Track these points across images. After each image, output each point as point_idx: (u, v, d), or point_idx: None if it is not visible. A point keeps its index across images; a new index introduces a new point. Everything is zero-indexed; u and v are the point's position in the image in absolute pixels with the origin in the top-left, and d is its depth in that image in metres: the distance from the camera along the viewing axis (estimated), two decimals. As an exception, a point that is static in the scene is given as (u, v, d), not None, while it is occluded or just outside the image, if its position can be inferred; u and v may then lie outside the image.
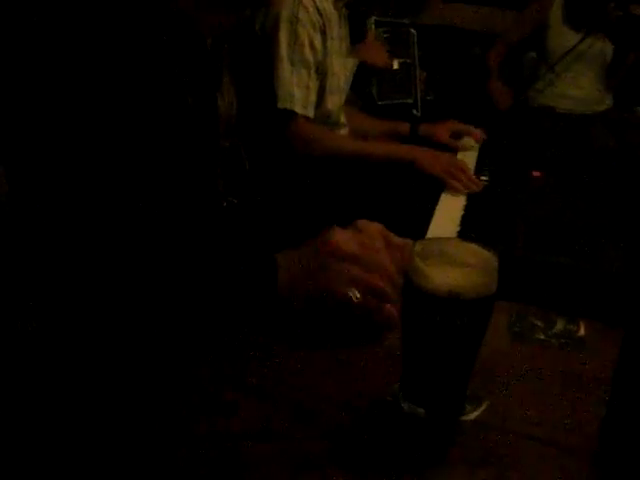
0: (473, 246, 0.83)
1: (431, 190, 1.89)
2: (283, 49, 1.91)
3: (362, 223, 1.06)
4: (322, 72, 2.01)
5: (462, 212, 1.76)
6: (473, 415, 0.85)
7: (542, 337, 1.04)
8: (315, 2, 1.93)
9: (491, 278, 0.79)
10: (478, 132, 2.35)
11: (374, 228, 1.05)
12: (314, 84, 1.97)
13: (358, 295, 0.96)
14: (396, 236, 1.08)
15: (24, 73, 0.97)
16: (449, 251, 0.82)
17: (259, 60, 1.31)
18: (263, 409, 0.84)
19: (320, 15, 1.95)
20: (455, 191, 1.87)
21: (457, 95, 3.86)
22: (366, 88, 2.86)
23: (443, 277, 0.77)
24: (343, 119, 2.17)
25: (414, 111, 3.12)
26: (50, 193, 0.97)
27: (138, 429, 0.78)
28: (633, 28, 3.33)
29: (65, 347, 0.89)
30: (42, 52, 0.98)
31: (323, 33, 1.97)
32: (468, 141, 2.35)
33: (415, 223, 1.63)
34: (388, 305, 0.96)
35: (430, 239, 0.96)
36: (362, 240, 1.01)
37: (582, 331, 1.06)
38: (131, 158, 1.01)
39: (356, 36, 2.33)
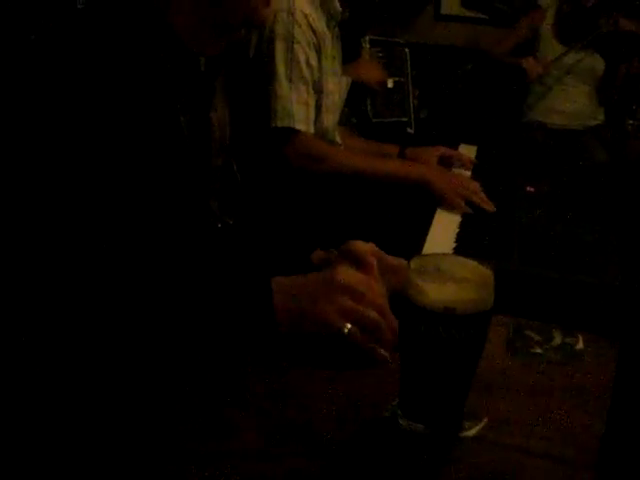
0: (469, 261, 0.83)
1: (426, 206, 1.89)
2: (280, 67, 1.91)
3: (354, 244, 1.06)
4: (318, 90, 2.01)
5: (458, 229, 1.76)
6: (472, 431, 0.85)
7: (540, 351, 1.04)
8: (309, 21, 1.93)
9: (487, 293, 0.79)
10: (467, 159, 2.29)
11: (366, 248, 1.05)
12: (312, 101, 1.97)
13: (349, 327, 0.96)
14: (390, 256, 1.08)
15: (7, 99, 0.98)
16: (445, 267, 0.83)
17: (253, 80, 1.32)
18: (261, 428, 0.84)
19: (314, 33, 1.95)
20: (457, 211, 1.86)
21: (450, 112, 3.89)
22: (361, 105, 2.87)
23: (439, 292, 0.78)
24: (338, 138, 2.17)
25: (408, 129, 3.13)
26: (40, 216, 0.97)
27: (136, 449, 0.78)
28: (623, 43, 3.36)
29: (60, 368, 0.89)
30: (28, 72, 0.98)
31: (318, 51, 1.98)
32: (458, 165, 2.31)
33: (410, 239, 1.64)
34: (378, 348, 0.97)
35: (426, 255, 0.96)
36: (362, 277, 1.01)
37: (580, 344, 1.06)
38: (122, 179, 1.00)
39: (350, 54, 2.33)
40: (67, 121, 0.97)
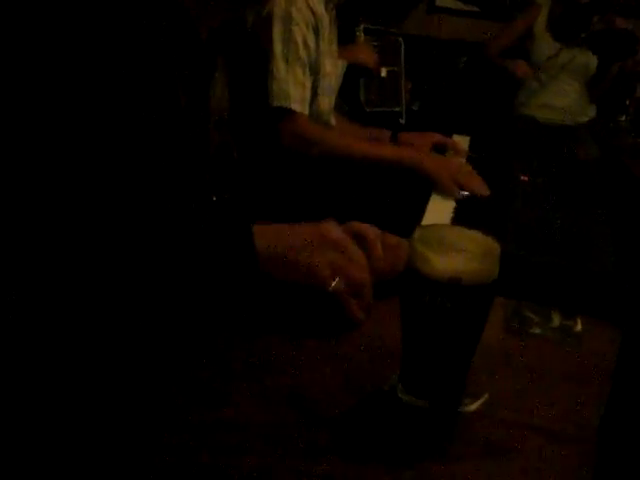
0: (473, 232, 0.82)
1: (420, 191, 1.87)
2: (277, 47, 1.88)
3: (356, 224, 1.06)
4: (314, 72, 1.99)
5: (452, 214, 1.74)
6: (473, 407, 0.83)
7: (539, 332, 1.03)
8: (307, 1, 1.91)
9: (492, 263, 0.78)
10: (461, 147, 2.26)
11: (368, 228, 1.05)
12: (308, 82, 1.95)
13: (336, 281, 0.96)
14: (390, 235, 1.07)
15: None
16: (449, 237, 0.81)
17: (252, 56, 1.30)
18: (255, 397, 0.82)
19: (313, 14, 1.93)
20: (451, 195, 1.84)
21: (442, 105, 3.88)
22: (353, 94, 2.85)
23: (444, 262, 0.76)
24: (333, 121, 2.15)
25: (400, 120, 3.11)
26: (37, 187, 0.94)
27: (133, 420, 0.76)
28: (616, 41, 3.36)
29: (57, 340, 0.87)
30: (26, 45, 0.96)
31: (316, 33, 1.95)
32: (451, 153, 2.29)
33: (405, 224, 1.62)
34: (356, 305, 0.97)
35: (429, 226, 0.94)
36: (349, 238, 1.01)
37: (579, 326, 1.05)
38: (118, 150, 0.98)
39: (344, 39, 2.31)
40: (63, 92, 0.95)
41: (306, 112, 1.96)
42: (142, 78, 1.00)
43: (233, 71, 1.20)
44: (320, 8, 1.96)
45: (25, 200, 0.94)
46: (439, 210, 1.75)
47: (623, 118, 3.16)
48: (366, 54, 2.80)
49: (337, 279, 0.96)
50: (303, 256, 0.97)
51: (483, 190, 1.85)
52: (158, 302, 0.93)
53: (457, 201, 1.81)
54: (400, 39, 3.16)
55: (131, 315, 0.91)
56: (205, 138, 1.14)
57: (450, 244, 0.79)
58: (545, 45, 3.56)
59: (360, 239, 1.03)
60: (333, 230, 1.00)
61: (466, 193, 1.85)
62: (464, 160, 2.16)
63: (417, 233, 0.80)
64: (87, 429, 0.74)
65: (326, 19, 2.01)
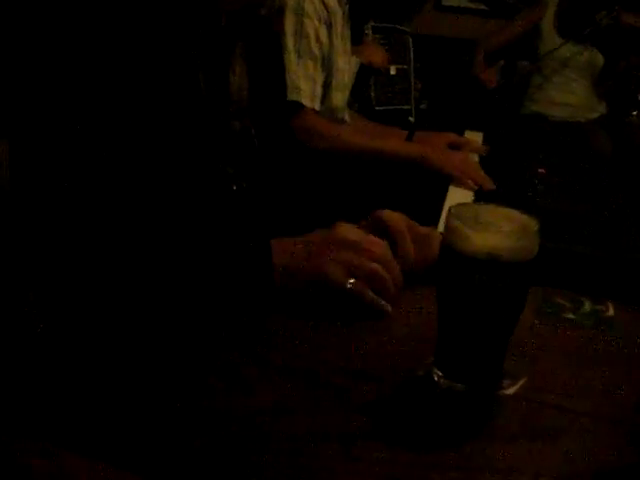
0: (509, 210, 0.80)
1: (438, 183, 1.85)
2: (289, 40, 1.87)
3: (384, 212, 1.04)
4: (328, 67, 1.97)
5: (472, 204, 1.72)
6: (512, 390, 0.81)
7: (572, 317, 1.01)
8: None
9: (531, 241, 0.76)
10: (477, 145, 2.24)
11: (396, 217, 1.03)
12: (320, 77, 1.93)
13: (352, 281, 0.94)
14: (420, 225, 1.05)
15: (29, 54, 0.93)
16: (485, 215, 0.79)
17: (270, 45, 1.28)
18: (286, 385, 0.80)
19: (326, 8, 1.91)
20: (465, 187, 1.83)
21: (450, 104, 3.86)
22: (364, 92, 2.84)
23: (482, 239, 0.74)
24: (347, 117, 2.14)
25: (410, 118, 3.10)
26: (55, 173, 0.93)
27: (155, 408, 0.74)
28: (623, 36, 3.34)
29: (70, 336, 0.85)
30: (46, 28, 0.94)
31: (329, 27, 1.94)
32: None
33: (425, 216, 1.60)
34: (380, 300, 0.95)
35: (464, 204, 0.92)
36: (362, 232, 0.99)
37: (611, 311, 1.04)
38: (139, 137, 0.97)
39: (353, 41, 2.30)
40: (82, 80, 0.94)
41: (317, 107, 1.94)
42: (161, 59, 0.99)
43: (252, 58, 1.18)
44: (333, 1, 1.95)
45: (42, 190, 0.92)
46: (458, 200, 1.73)
47: (635, 113, 3.13)
48: (377, 55, 2.79)
49: (353, 280, 0.94)
50: (313, 263, 0.95)
51: (488, 184, 1.84)
52: (168, 299, 0.92)
53: (475, 193, 1.79)
54: (409, 37, 3.15)
55: (141, 312, 0.89)
56: (226, 125, 1.12)
57: (487, 221, 0.77)
58: (552, 42, 3.54)
59: (386, 231, 1.01)
60: (345, 231, 0.98)
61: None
62: (476, 157, 2.14)
63: (453, 210, 0.78)
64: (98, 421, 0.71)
65: (339, 14, 1.99)
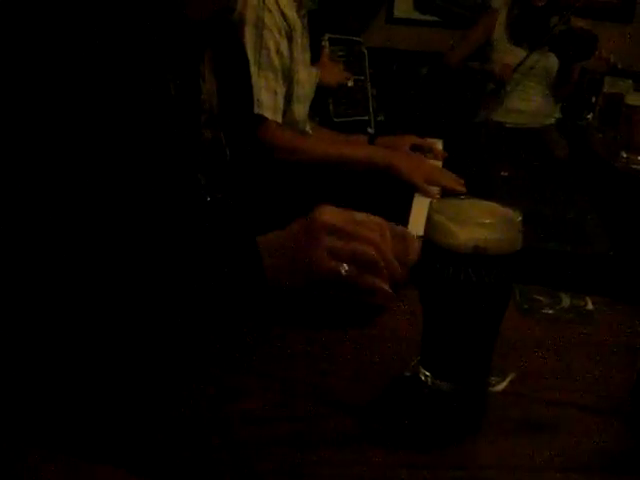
0: (490, 204, 0.79)
1: (404, 189, 1.85)
2: (249, 52, 1.85)
3: (362, 215, 1.01)
4: (288, 79, 1.96)
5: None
6: (500, 386, 0.80)
7: (551, 312, 1.01)
8: (280, 6, 1.88)
9: (515, 233, 0.75)
10: (437, 148, 2.26)
11: (374, 219, 1.00)
12: (281, 90, 1.92)
13: (347, 268, 0.90)
14: (397, 226, 1.03)
15: None
16: (467, 209, 0.78)
17: (237, 53, 1.26)
18: (277, 391, 0.78)
19: (285, 20, 1.90)
20: (430, 196, 1.82)
21: (407, 115, 3.88)
22: (322, 105, 2.83)
23: (467, 233, 0.73)
24: (309, 129, 2.13)
25: (369, 128, 3.10)
26: (20, 190, 0.90)
27: (143, 415, 0.71)
28: (576, 41, 3.39)
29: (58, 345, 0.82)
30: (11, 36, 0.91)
31: (289, 39, 1.93)
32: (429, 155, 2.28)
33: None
34: (380, 283, 0.91)
35: (444, 198, 0.91)
36: (351, 216, 0.95)
37: (590, 305, 1.04)
38: (108, 148, 0.95)
39: (312, 51, 2.30)
40: (47, 89, 0.91)
41: (278, 119, 1.93)
42: (131, 69, 0.97)
43: (220, 67, 1.16)
44: (292, 13, 1.94)
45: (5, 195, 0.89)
46: (424, 207, 1.72)
47: (590, 116, 3.18)
48: (330, 72, 2.78)
49: (347, 267, 0.90)
50: (302, 256, 0.91)
51: (459, 186, 1.84)
52: (153, 308, 0.89)
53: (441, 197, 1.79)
54: (364, 48, 3.16)
55: (126, 319, 0.86)
56: (197, 133, 1.10)
57: (470, 215, 0.76)
58: (505, 50, 3.57)
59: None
60: (329, 216, 0.93)
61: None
62: (440, 163, 2.14)
63: (435, 205, 0.76)
64: (91, 424, 0.69)
65: (299, 26, 1.98)
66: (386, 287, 0.91)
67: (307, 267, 0.91)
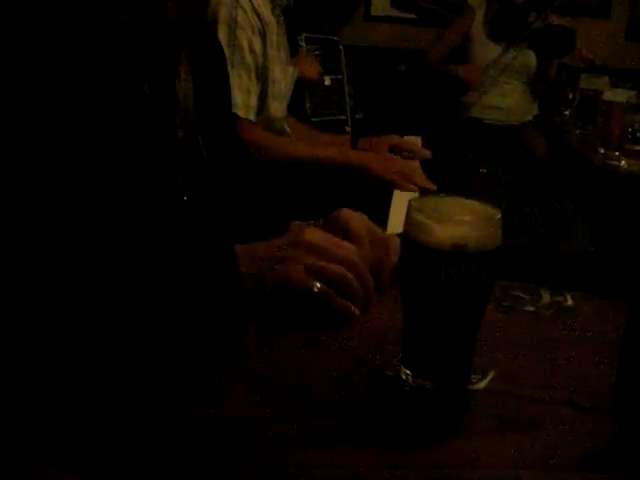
0: (469, 201, 0.78)
1: (382, 187, 1.85)
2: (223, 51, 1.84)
3: (344, 212, 1.02)
4: (262, 78, 1.95)
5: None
6: (482, 384, 0.80)
7: (532, 309, 1.01)
8: (253, 5, 1.88)
9: (495, 230, 0.74)
10: (419, 147, 2.27)
11: (356, 217, 1.01)
12: (254, 88, 1.92)
13: (319, 285, 0.92)
14: (379, 228, 1.04)
15: None
16: (446, 207, 0.78)
17: (213, 53, 1.25)
18: (256, 393, 0.77)
19: (259, 19, 1.89)
20: (408, 190, 1.83)
21: (385, 113, 3.88)
22: (299, 104, 2.83)
23: (446, 230, 0.72)
24: (287, 128, 2.12)
25: (346, 127, 3.10)
26: None
27: (128, 418, 0.70)
28: (554, 38, 3.40)
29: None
30: None
31: (263, 37, 1.92)
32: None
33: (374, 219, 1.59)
34: (348, 303, 0.93)
35: (423, 196, 0.91)
36: (330, 236, 0.97)
37: (570, 301, 1.03)
38: (81, 146, 0.94)
39: (290, 49, 2.29)
40: (17, 91, 0.90)
41: (252, 118, 1.93)
42: (105, 70, 0.96)
43: (196, 67, 1.15)
44: (267, 11, 1.93)
45: None
46: (403, 203, 1.72)
47: (567, 112, 3.19)
48: (307, 66, 2.78)
49: (319, 284, 0.91)
50: (280, 269, 0.93)
51: (428, 184, 1.84)
52: (129, 310, 0.88)
53: (420, 194, 1.79)
54: (341, 47, 3.16)
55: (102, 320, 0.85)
56: (172, 134, 1.08)
57: (449, 212, 0.76)
58: (484, 47, 3.58)
59: (346, 231, 0.99)
60: (312, 235, 0.96)
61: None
62: (417, 161, 2.14)
63: (414, 203, 0.76)
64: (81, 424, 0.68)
65: (273, 24, 1.97)
66: (354, 309, 0.93)
67: (283, 280, 0.92)
